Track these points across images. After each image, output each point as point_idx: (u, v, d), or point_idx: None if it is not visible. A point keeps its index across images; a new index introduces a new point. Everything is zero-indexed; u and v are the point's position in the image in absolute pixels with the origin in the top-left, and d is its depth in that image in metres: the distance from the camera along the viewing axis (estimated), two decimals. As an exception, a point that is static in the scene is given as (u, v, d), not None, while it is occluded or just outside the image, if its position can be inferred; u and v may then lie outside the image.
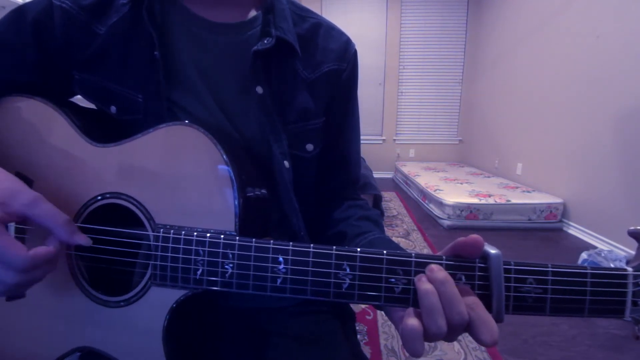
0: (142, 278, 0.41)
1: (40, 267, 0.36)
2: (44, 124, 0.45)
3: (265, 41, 0.48)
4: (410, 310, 0.34)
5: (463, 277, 0.33)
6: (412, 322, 0.32)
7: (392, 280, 0.34)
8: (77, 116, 0.46)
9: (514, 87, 3.80)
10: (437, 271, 0.32)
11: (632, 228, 0.34)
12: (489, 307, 0.32)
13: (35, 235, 0.42)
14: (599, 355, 1.42)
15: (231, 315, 0.53)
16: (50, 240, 0.37)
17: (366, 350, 1.42)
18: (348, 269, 0.35)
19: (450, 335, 0.32)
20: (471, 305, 0.32)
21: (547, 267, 0.32)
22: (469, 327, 0.32)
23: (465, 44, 4.88)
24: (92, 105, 0.52)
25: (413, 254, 0.34)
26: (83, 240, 0.39)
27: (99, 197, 0.43)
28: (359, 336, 1.31)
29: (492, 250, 0.32)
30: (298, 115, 0.52)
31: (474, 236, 0.33)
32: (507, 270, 0.32)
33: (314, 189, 0.59)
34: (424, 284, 0.32)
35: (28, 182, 0.44)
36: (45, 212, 0.37)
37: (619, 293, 0.32)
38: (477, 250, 0.33)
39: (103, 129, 0.48)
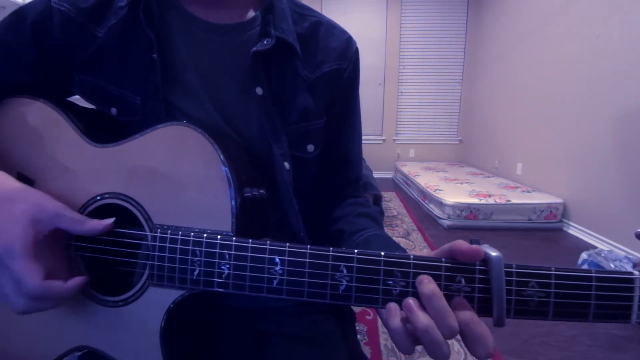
0: (140, 278, 0.41)
1: (50, 299, 0.38)
2: (45, 125, 0.45)
3: (265, 42, 0.47)
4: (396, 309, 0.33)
5: (463, 280, 0.33)
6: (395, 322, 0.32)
7: (390, 282, 0.33)
8: (78, 117, 0.46)
9: (514, 87, 3.79)
10: (427, 284, 0.32)
11: (639, 230, 0.34)
12: (489, 311, 0.32)
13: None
14: (599, 355, 1.42)
15: (230, 316, 0.53)
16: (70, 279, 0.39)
17: (366, 350, 1.42)
18: (345, 271, 0.34)
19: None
20: (467, 321, 0.31)
21: (550, 271, 0.32)
22: (464, 340, 0.31)
23: (465, 44, 4.88)
24: (92, 106, 0.52)
25: (411, 256, 0.33)
26: (105, 225, 0.40)
27: (98, 198, 0.43)
28: (359, 336, 1.31)
29: (493, 253, 0.32)
30: (299, 116, 0.52)
31: (476, 248, 0.32)
32: (508, 273, 0.32)
33: (314, 189, 0.58)
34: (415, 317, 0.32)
35: (29, 182, 0.44)
36: (69, 220, 0.39)
37: (625, 297, 0.31)
38: (475, 260, 0.33)
39: (103, 129, 0.48)
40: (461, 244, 0.33)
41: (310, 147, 0.54)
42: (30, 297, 0.36)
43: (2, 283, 0.36)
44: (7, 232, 0.36)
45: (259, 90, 0.48)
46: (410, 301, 0.32)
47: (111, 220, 0.40)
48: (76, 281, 0.39)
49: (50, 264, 0.38)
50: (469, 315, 0.31)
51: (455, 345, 1.44)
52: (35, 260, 0.36)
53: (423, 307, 0.32)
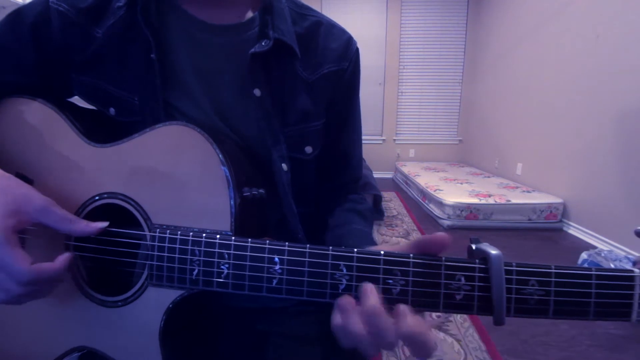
0: (139, 278, 0.40)
1: (43, 282, 0.37)
2: (44, 125, 0.45)
3: (263, 43, 0.47)
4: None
5: (463, 278, 0.33)
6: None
7: (390, 281, 0.33)
8: (77, 117, 0.46)
9: (514, 87, 3.80)
10: (369, 298, 0.32)
11: (638, 228, 0.33)
12: (489, 310, 0.32)
13: (37, 234, 0.42)
14: (598, 355, 1.42)
15: (229, 316, 0.53)
16: (57, 257, 0.38)
17: (366, 351, 1.41)
18: (345, 270, 0.34)
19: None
20: (407, 334, 0.31)
21: (550, 269, 0.32)
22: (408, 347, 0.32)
23: (465, 44, 4.88)
24: (91, 106, 0.52)
25: (411, 255, 0.33)
26: (98, 225, 0.40)
27: (97, 197, 0.43)
28: (358, 336, 1.31)
29: (493, 251, 0.31)
30: (298, 117, 0.52)
31: (440, 235, 0.32)
32: (508, 272, 0.32)
33: (313, 191, 0.58)
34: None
35: (28, 182, 0.44)
36: (57, 217, 0.38)
37: (625, 295, 0.31)
38: (443, 245, 0.33)
39: (102, 129, 0.48)
40: (425, 236, 0.33)
41: (309, 149, 0.54)
42: (21, 283, 0.35)
43: None
44: None
45: (257, 92, 0.48)
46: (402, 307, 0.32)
47: (104, 224, 0.40)
48: (63, 258, 0.38)
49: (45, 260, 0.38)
50: (409, 325, 0.31)
51: (455, 346, 1.44)
52: (19, 247, 0.36)
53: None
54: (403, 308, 0.32)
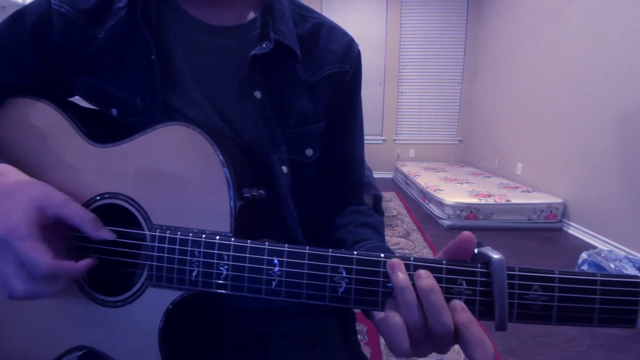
0: (139, 278, 0.41)
1: (59, 279, 0.38)
2: (45, 125, 0.45)
3: (264, 45, 0.47)
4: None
5: (464, 283, 0.32)
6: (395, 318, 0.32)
7: (390, 285, 0.33)
8: (79, 117, 0.46)
9: (514, 87, 3.79)
10: (425, 278, 0.31)
11: None
12: (491, 315, 0.31)
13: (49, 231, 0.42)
14: (598, 355, 1.42)
15: (230, 316, 0.53)
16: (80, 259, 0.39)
17: (366, 350, 1.41)
18: (344, 273, 0.34)
19: (438, 345, 0.32)
20: (466, 324, 0.30)
21: (554, 274, 0.31)
22: (462, 345, 0.31)
23: (465, 44, 4.88)
24: (92, 106, 0.52)
25: (412, 258, 0.33)
26: (107, 234, 0.40)
27: (98, 198, 0.43)
28: (359, 336, 1.31)
29: (495, 255, 0.31)
30: (298, 120, 0.52)
31: (466, 233, 0.32)
32: (510, 276, 0.31)
33: (314, 194, 0.58)
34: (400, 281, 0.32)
35: None
36: (74, 212, 0.39)
37: (630, 302, 0.30)
38: (471, 246, 0.32)
39: (104, 129, 0.48)
40: (452, 242, 0.33)
41: (309, 152, 0.53)
42: (40, 277, 0.36)
43: (1, 267, 0.36)
44: (13, 218, 0.36)
45: (257, 94, 0.48)
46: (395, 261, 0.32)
47: (113, 235, 0.41)
48: (86, 262, 0.39)
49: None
50: (467, 316, 0.31)
51: (455, 346, 1.44)
52: (42, 241, 0.36)
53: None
54: (458, 302, 0.31)
